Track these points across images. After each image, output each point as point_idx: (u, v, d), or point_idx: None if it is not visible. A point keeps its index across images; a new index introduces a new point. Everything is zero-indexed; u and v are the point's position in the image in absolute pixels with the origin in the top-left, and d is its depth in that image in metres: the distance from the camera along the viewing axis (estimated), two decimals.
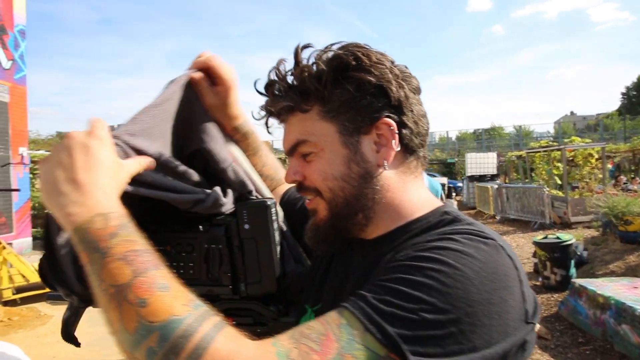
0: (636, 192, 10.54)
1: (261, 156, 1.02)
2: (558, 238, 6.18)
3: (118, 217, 0.56)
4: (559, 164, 13.20)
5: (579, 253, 6.71)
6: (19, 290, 6.46)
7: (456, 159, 28.71)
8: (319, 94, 0.69)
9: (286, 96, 0.71)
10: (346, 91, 0.67)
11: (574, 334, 4.59)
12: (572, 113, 75.07)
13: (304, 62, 0.70)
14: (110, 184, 0.59)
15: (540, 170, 14.73)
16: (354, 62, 0.67)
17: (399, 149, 0.69)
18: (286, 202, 1.01)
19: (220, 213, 0.75)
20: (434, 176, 24.65)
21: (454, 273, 0.54)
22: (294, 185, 0.76)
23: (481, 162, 19.50)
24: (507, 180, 18.13)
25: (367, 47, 0.70)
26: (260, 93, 0.75)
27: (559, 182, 13.23)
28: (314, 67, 0.69)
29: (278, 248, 0.78)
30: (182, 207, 0.71)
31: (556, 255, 5.97)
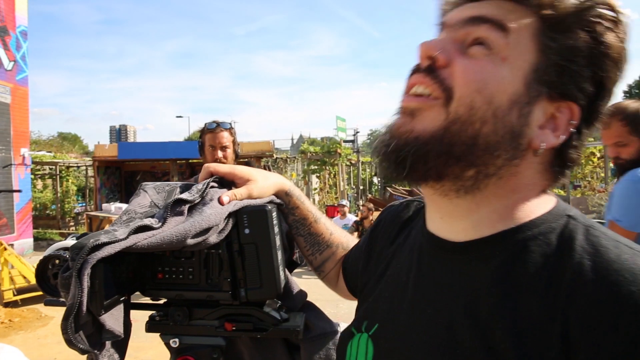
0: None
1: (325, 223, 0.93)
2: None
3: None
4: None
5: None
6: (19, 291, 6.47)
7: None
8: (560, 14, 0.50)
9: None
10: (581, 39, 0.50)
11: None
12: None
13: None
14: None
15: None
16: (610, 15, 0.50)
17: (560, 140, 0.52)
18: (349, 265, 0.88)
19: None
20: None
21: None
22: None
23: None
24: None
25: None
26: None
27: None
28: None
29: (279, 253, 0.78)
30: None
31: None
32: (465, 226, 0.55)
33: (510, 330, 0.47)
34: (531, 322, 0.47)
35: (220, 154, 2.55)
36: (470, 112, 0.50)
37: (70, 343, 0.60)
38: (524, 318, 0.47)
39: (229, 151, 2.58)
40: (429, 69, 0.53)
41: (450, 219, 0.57)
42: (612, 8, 0.51)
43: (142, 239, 0.64)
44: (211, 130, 2.59)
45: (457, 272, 0.55)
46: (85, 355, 0.66)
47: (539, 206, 0.54)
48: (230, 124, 2.63)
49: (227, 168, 0.82)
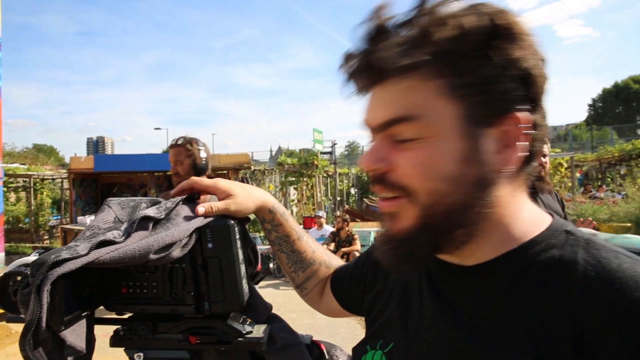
0: (602, 199, 10.88)
1: (308, 241, 0.93)
2: None
3: None
4: None
5: None
6: None
7: None
8: (453, 60, 0.51)
9: (404, 52, 0.52)
10: (488, 66, 0.51)
11: None
12: None
13: (436, 11, 0.52)
14: None
15: None
16: (504, 29, 0.51)
17: (525, 153, 0.54)
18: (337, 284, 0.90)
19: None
20: None
21: None
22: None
23: None
24: None
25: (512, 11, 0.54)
26: (348, 53, 0.58)
27: None
28: (451, 22, 0.51)
29: (242, 267, 0.79)
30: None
31: None
32: (471, 256, 0.58)
33: (524, 340, 0.50)
34: (544, 332, 0.50)
35: (176, 168, 2.79)
36: (434, 197, 0.53)
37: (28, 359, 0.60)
38: (537, 328, 0.50)
39: (182, 166, 2.77)
40: (379, 178, 0.57)
41: (461, 255, 0.59)
42: (504, 25, 0.52)
43: (104, 254, 0.65)
44: (170, 147, 2.86)
45: (468, 292, 0.58)
46: None
47: (535, 224, 0.57)
48: (185, 139, 2.81)
49: (210, 182, 0.82)
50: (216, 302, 0.78)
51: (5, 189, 11.32)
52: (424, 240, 0.55)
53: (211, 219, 0.78)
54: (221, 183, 0.83)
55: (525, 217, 0.57)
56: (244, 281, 0.79)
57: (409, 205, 0.55)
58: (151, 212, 0.73)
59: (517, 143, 0.53)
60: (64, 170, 16.56)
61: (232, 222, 0.78)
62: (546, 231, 0.56)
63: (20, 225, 14.97)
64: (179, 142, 2.78)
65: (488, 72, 0.51)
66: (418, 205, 0.54)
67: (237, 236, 0.79)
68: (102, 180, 13.40)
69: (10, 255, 11.17)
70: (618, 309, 0.46)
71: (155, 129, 45.29)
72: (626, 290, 0.47)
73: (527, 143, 0.54)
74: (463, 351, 0.55)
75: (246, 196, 0.84)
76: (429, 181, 0.53)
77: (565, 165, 13.51)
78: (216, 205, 0.79)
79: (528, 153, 0.55)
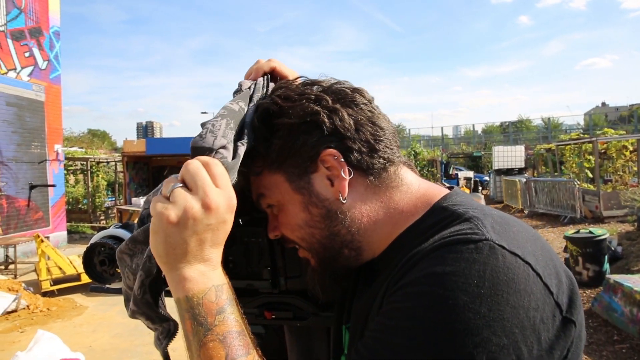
0: None
1: None
2: (591, 233, 6.01)
3: (227, 290, 0.57)
4: (591, 157, 12.77)
5: (612, 248, 6.50)
6: (56, 281, 6.73)
7: (483, 153, 28.15)
8: (258, 150, 0.67)
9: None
10: (279, 139, 0.65)
11: (609, 331, 4.46)
12: (603, 104, 72.17)
13: None
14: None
15: (571, 163, 14.30)
16: (275, 109, 0.66)
17: (351, 175, 0.65)
18: None
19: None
20: (460, 170, 24.25)
21: (443, 309, 0.49)
22: None
23: (508, 156, 19.07)
24: (535, 174, 17.67)
25: (287, 85, 0.69)
26: None
27: (590, 175, 12.80)
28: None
29: None
30: None
31: (589, 251, 5.80)
32: (375, 251, 0.69)
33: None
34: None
35: None
36: (307, 240, 0.68)
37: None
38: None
39: None
40: (283, 239, 0.73)
41: (370, 255, 0.69)
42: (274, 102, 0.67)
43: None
44: None
45: (369, 281, 0.69)
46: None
47: (418, 209, 0.66)
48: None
49: (290, 71, 0.79)
50: (292, 277, 0.78)
51: (65, 172, 12.03)
52: (328, 270, 0.69)
53: None
54: (286, 67, 0.80)
55: (404, 207, 0.67)
56: None
57: (304, 251, 0.70)
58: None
59: (341, 171, 0.64)
60: (117, 154, 17.38)
61: None
62: (426, 213, 0.65)
63: (79, 206, 15.93)
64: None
65: (280, 143, 0.65)
66: (306, 250, 0.69)
67: None
68: (153, 163, 13.96)
69: (71, 234, 11.94)
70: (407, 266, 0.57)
71: (202, 112, 46.59)
72: (423, 267, 0.55)
73: (346, 167, 0.64)
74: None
75: None
76: (296, 232, 0.68)
77: (631, 148, 12.59)
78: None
79: (359, 169, 0.65)
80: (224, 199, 0.57)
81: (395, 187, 0.68)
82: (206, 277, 0.56)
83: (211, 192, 0.56)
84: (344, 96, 0.66)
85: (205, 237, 0.56)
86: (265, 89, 0.73)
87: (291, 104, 0.65)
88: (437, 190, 0.69)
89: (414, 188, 0.68)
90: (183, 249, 0.55)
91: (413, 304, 0.52)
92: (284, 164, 0.66)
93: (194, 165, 0.57)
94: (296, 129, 0.64)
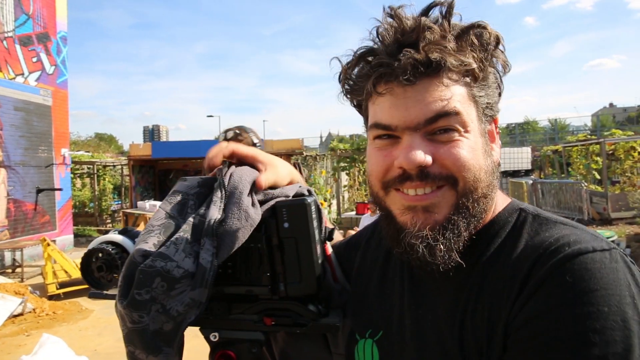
0: None
1: None
2: None
3: None
4: (598, 158, 12.66)
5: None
6: (62, 285, 6.76)
7: None
8: (482, 64, 0.60)
9: (456, 53, 0.58)
10: (496, 73, 0.63)
11: None
12: (611, 105, 71.69)
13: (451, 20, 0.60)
14: None
15: (578, 165, 14.19)
16: (499, 43, 0.62)
17: (499, 144, 0.67)
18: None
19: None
20: None
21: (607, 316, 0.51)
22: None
23: (515, 157, 18.97)
24: (542, 176, 17.56)
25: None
26: (386, 46, 0.63)
27: (598, 176, 12.69)
28: (484, 32, 0.60)
29: (319, 247, 0.77)
30: None
31: None
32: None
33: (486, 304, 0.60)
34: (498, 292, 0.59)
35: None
36: (471, 184, 0.61)
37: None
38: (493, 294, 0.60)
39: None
40: (421, 174, 0.61)
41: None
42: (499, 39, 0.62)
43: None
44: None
45: (443, 293, 0.66)
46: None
47: (498, 203, 0.67)
48: (233, 132, 2.77)
49: (249, 151, 0.77)
50: (292, 283, 0.76)
51: (72, 176, 12.12)
52: (461, 224, 0.61)
53: (278, 192, 0.76)
54: (261, 154, 0.78)
55: (497, 199, 0.67)
56: (320, 262, 0.77)
57: (450, 193, 0.61)
58: (215, 213, 0.70)
59: (496, 140, 0.66)
60: (124, 158, 17.50)
61: (309, 200, 0.76)
62: (505, 208, 0.66)
63: (86, 209, 16.04)
64: (229, 136, 2.77)
65: (495, 78, 0.63)
66: (459, 191, 0.61)
67: (314, 216, 0.76)
68: (160, 166, 14.03)
69: (77, 237, 12.01)
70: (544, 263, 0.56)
71: (208, 116, 46.66)
72: (553, 246, 0.57)
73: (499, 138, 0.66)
74: (439, 342, 0.62)
75: (282, 168, 0.80)
76: (470, 171, 0.61)
77: (639, 149, 12.47)
78: (266, 178, 0.75)
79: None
80: None
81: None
82: None
83: None
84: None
85: None
86: (222, 188, 0.71)
87: (503, 48, 0.64)
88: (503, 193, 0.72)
89: None
90: None
91: (590, 324, 0.51)
92: (484, 99, 0.64)
93: None
94: (498, 78, 0.65)
